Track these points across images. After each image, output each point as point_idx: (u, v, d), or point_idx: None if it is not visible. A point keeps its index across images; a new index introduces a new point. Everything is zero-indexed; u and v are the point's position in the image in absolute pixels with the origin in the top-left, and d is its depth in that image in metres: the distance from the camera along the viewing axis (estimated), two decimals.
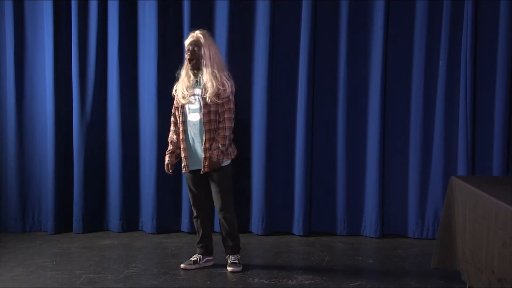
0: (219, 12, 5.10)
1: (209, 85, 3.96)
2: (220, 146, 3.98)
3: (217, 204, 4.11)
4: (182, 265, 4.17)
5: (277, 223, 5.22)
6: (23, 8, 5.19)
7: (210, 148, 3.99)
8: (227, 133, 4.02)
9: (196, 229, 4.26)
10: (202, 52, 3.99)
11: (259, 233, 5.15)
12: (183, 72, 4.13)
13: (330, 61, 5.10)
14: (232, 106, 4.05)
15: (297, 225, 5.15)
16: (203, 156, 4.00)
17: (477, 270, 3.19)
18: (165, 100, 5.15)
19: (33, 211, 5.28)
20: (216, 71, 3.99)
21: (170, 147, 4.20)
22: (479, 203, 3.20)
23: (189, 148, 4.07)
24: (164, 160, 4.24)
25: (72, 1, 5.09)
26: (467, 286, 3.51)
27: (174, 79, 5.13)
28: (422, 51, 4.98)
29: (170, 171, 4.20)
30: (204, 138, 3.99)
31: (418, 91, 5.02)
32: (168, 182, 5.17)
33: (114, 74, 5.16)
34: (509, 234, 2.73)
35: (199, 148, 4.03)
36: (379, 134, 5.04)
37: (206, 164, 3.99)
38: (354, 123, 5.10)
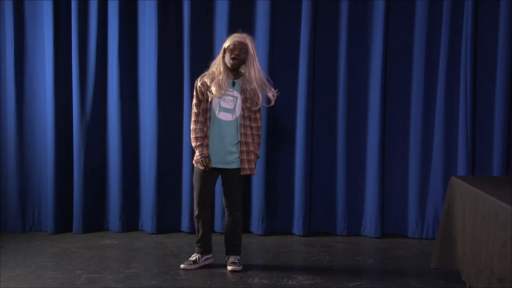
0: (219, 12, 5.10)
1: (254, 89, 4.02)
2: (257, 153, 4.13)
3: (229, 200, 4.12)
4: (182, 266, 4.16)
5: (277, 223, 5.22)
6: (23, 8, 5.18)
7: (245, 151, 4.05)
8: (260, 140, 4.19)
9: (196, 229, 4.24)
10: (249, 56, 3.99)
11: (259, 233, 5.15)
12: (218, 68, 4.04)
13: (330, 61, 5.11)
14: (261, 115, 4.20)
15: (297, 225, 5.15)
16: (240, 158, 4.03)
17: (477, 270, 3.19)
18: (165, 100, 5.15)
19: (33, 211, 5.28)
20: (259, 77, 4.05)
21: (199, 141, 4.00)
22: (479, 203, 3.20)
23: (214, 146, 4.05)
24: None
25: (72, 1, 5.09)
26: (467, 286, 3.51)
27: (174, 79, 5.17)
28: (422, 51, 4.98)
29: (210, 164, 4.02)
30: (240, 140, 4.03)
31: (418, 91, 5.02)
32: (168, 182, 5.18)
33: (114, 74, 5.16)
34: (509, 234, 2.73)
35: (225, 148, 4.03)
36: (379, 134, 5.04)
37: (248, 166, 4.05)
38: (354, 123, 5.10)
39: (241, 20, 5.13)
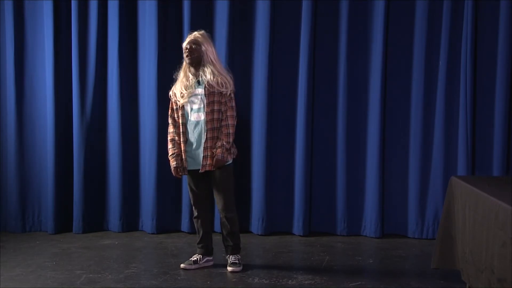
0: (219, 12, 5.10)
1: (213, 81, 3.97)
2: (224, 143, 3.97)
3: (219, 203, 4.09)
4: (182, 265, 4.16)
5: (277, 223, 5.22)
6: (23, 8, 5.19)
7: (212, 147, 3.98)
8: (231, 131, 4.01)
9: (197, 229, 4.25)
10: (203, 49, 4.01)
11: (259, 233, 5.15)
12: (181, 73, 4.14)
13: (330, 61, 5.11)
14: (234, 104, 4.07)
15: (297, 225, 5.15)
16: (203, 155, 4.00)
17: (477, 270, 3.19)
18: (165, 100, 5.12)
19: (33, 211, 5.28)
20: (218, 68, 4.03)
21: (173, 150, 4.11)
22: (479, 203, 3.20)
23: (190, 149, 4.07)
24: (166, 161, 4.22)
25: (72, 1, 5.10)
26: (467, 286, 3.51)
27: (174, 79, 5.16)
28: (422, 51, 4.98)
29: (181, 174, 4.11)
30: (206, 137, 3.99)
31: (418, 91, 5.02)
32: (168, 182, 5.17)
33: (114, 74, 5.16)
34: (509, 234, 2.73)
35: (201, 147, 4.03)
36: (379, 134, 5.04)
37: (208, 162, 3.99)
38: (354, 123, 5.10)
39: (241, 20, 5.13)
